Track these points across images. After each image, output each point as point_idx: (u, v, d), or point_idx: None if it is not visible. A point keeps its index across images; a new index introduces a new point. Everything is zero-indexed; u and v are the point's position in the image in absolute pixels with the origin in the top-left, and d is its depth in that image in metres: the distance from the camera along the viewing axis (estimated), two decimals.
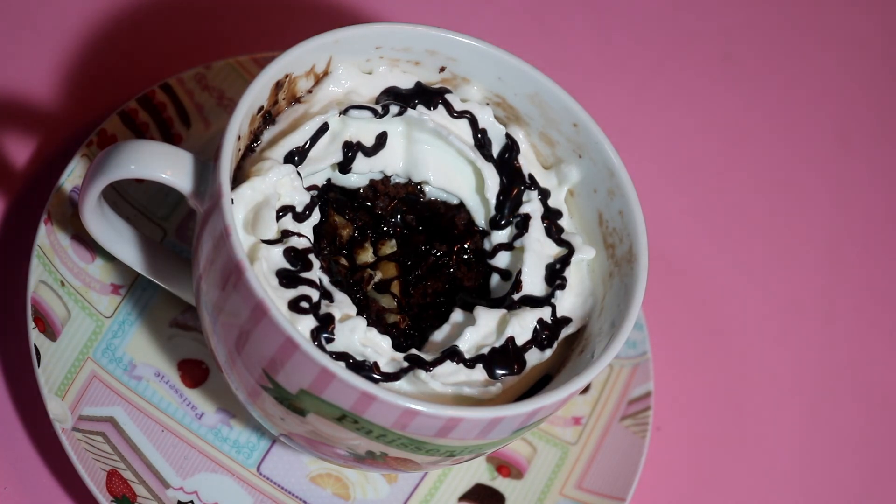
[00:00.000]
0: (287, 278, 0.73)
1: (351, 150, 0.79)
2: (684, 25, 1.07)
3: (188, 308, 0.84)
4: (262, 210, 0.74)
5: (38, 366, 0.78)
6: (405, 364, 0.74)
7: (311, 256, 0.74)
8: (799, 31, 1.09)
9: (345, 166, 0.79)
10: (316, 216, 0.76)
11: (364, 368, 0.72)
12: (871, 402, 0.96)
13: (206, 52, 0.94)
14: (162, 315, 0.84)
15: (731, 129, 1.05)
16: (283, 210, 0.75)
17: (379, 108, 0.78)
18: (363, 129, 0.79)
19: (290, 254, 0.74)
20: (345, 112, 0.78)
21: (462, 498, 0.85)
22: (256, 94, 0.75)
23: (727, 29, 1.08)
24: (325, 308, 0.73)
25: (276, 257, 0.73)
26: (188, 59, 0.91)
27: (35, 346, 0.78)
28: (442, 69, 0.81)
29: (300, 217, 0.76)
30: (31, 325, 0.79)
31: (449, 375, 0.74)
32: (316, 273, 0.74)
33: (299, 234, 0.75)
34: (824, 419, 0.94)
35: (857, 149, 1.06)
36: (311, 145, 0.77)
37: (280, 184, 0.75)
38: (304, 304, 0.72)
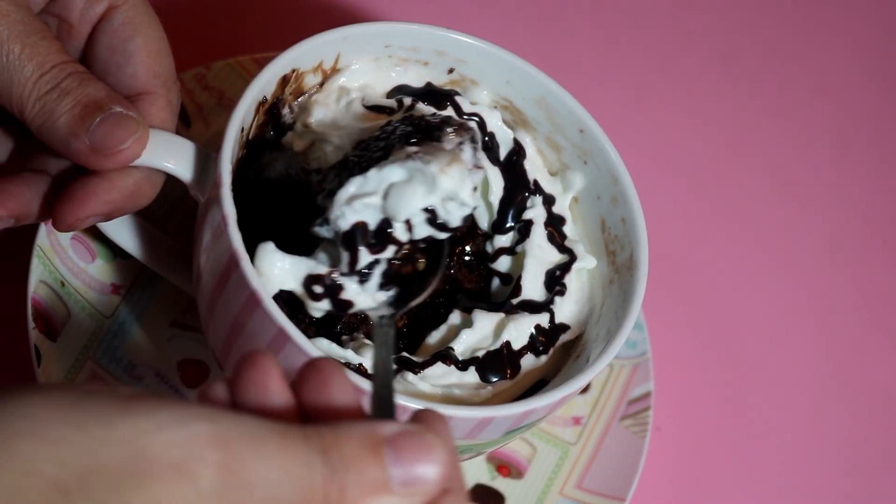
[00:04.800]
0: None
1: None
2: (684, 25, 1.08)
3: (188, 308, 0.84)
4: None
5: (38, 366, 0.77)
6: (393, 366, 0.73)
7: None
8: (799, 31, 1.09)
9: None
10: None
11: (349, 369, 0.71)
12: (872, 402, 0.96)
13: (206, 52, 0.94)
14: (162, 315, 0.83)
15: (731, 128, 1.05)
16: None
17: (394, 103, 0.78)
18: None
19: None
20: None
21: None
22: (262, 87, 0.74)
23: (727, 28, 1.08)
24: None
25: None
26: (188, 59, 0.91)
27: (35, 346, 0.77)
28: (451, 70, 0.81)
29: None
30: (32, 324, 0.78)
31: (439, 377, 0.74)
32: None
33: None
34: (825, 419, 0.95)
35: (858, 149, 1.06)
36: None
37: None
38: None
